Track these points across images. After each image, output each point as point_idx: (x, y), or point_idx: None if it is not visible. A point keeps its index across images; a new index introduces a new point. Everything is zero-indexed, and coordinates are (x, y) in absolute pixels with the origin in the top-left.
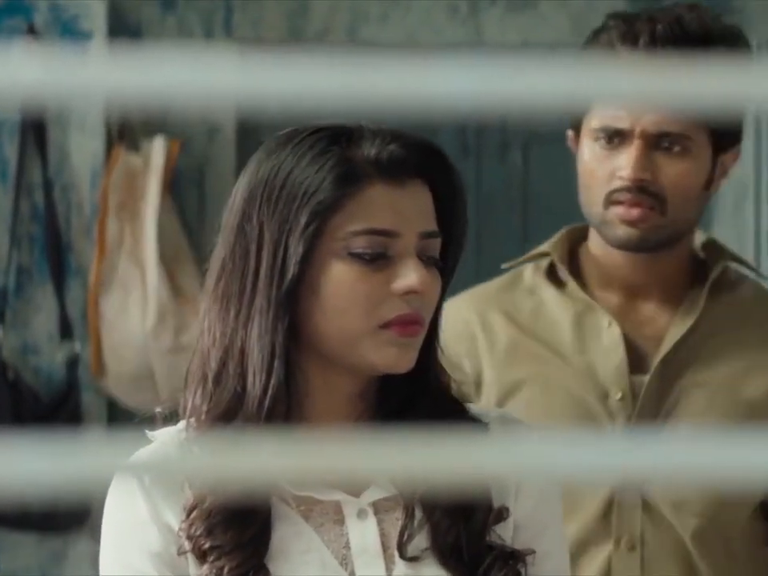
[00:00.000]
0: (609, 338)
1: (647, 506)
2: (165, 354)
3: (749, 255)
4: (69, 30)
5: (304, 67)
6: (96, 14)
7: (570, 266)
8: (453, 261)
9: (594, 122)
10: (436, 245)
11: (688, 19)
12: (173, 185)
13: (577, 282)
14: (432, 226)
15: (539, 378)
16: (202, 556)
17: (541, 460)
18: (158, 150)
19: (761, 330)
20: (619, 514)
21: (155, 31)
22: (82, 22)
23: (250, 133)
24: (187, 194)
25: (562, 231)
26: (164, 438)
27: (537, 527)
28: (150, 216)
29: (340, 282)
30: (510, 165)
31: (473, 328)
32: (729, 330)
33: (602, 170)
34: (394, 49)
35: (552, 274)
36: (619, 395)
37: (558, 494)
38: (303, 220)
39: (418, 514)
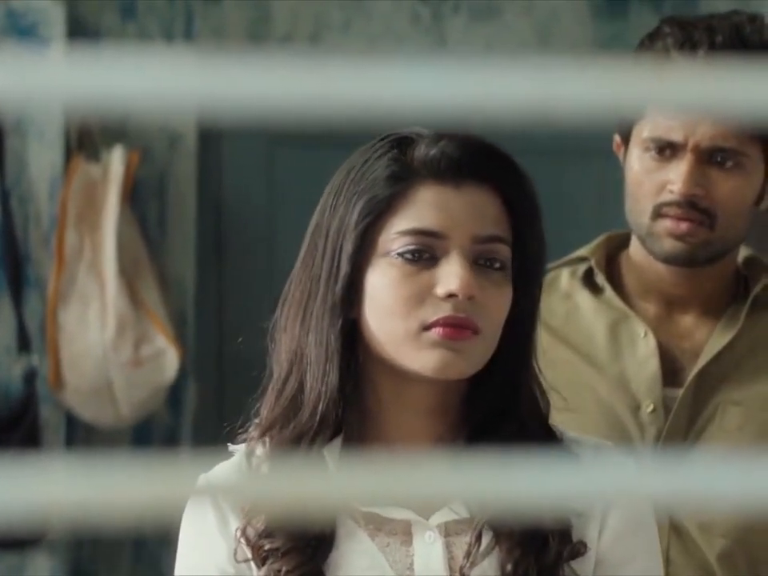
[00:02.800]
0: (644, 348)
1: (674, 525)
2: (124, 366)
3: None
4: (27, 37)
5: (266, 72)
6: (55, 21)
7: (608, 273)
8: (531, 272)
9: (645, 132)
10: (498, 250)
11: (749, 31)
12: (133, 195)
13: (614, 289)
14: (491, 230)
15: (569, 384)
16: (261, 558)
17: (627, 489)
18: (117, 159)
19: None
20: None
21: (115, 38)
22: (40, 29)
23: (212, 142)
24: (147, 204)
25: (602, 237)
26: (244, 451)
27: (618, 561)
28: (109, 227)
29: (385, 281)
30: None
31: None
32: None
33: (651, 182)
34: (357, 56)
35: (589, 280)
36: (651, 407)
37: (649, 525)
38: (354, 219)
39: (488, 539)
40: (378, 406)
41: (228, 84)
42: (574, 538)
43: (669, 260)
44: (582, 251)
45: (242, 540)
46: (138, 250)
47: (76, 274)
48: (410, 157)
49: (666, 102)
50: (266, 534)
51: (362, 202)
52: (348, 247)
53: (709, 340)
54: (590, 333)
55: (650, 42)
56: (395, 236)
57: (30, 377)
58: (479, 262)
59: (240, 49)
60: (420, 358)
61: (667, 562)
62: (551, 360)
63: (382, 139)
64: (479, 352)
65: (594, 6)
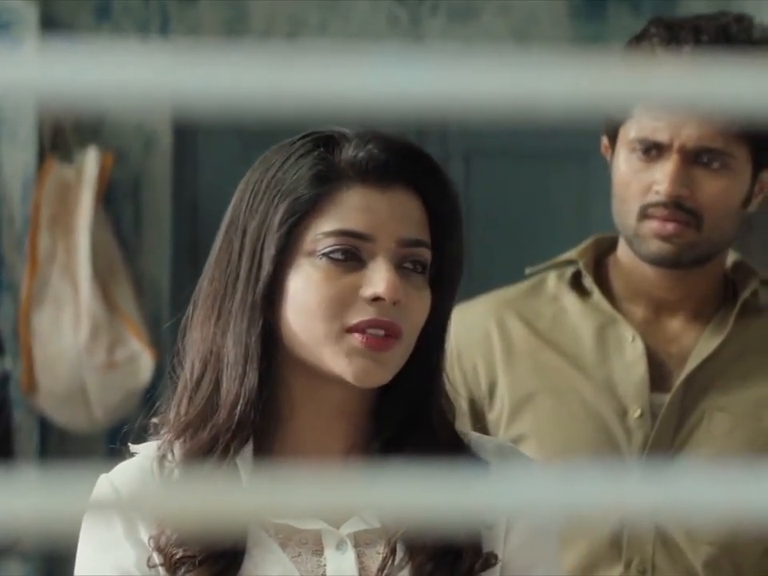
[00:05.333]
0: (631, 352)
1: (660, 532)
2: (98, 370)
3: None
4: (0, 36)
5: (242, 70)
6: (28, 21)
7: (596, 276)
8: (449, 277)
9: (631, 133)
10: (421, 254)
11: (735, 30)
12: (107, 197)
13: (602, 292)
14: (415, 233)
15: (555, 389)
16: (172, 567)
17: (537, 500)
18: (91, 160)
19: None
20: (630, 537)
21: (89, 38)
22: (13, 29)
23: (187, 144)
24: (122, 206)
25: (590, 239)
26: (146, 452)
27: (520, 568)
28: (83, 230)
29: (308, 282)
30: (451, 177)
31: (490, 334)
32: (756, 353)
33: (637, 183)
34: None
35: (576, 283)
36: (638, 413)
37: (551, 535)
38: (278, 219)
39: (401, 551)
40: (291, 409)
41: (203, 81)
42: (485, 550)
43: (655, 261)
44: (570, 254)
45: (154, 548)
46: (113, 253)
47: (49, 276)
48: (336, 157)
49: (651, 99)
50: (179, 542)
51: (287, 202)
52: (271, 247)
53: (697, 345)
54: (576, 336)
55: (636, 43)
56: (320, 237)
57: (3, 380)
58: (403, 265)
59: (215, 47)
60: (341, 362)
61: (653, 568)
62: (538, 365)
63: (302, 137)
64: (399, 357)
65: (572, 7)
